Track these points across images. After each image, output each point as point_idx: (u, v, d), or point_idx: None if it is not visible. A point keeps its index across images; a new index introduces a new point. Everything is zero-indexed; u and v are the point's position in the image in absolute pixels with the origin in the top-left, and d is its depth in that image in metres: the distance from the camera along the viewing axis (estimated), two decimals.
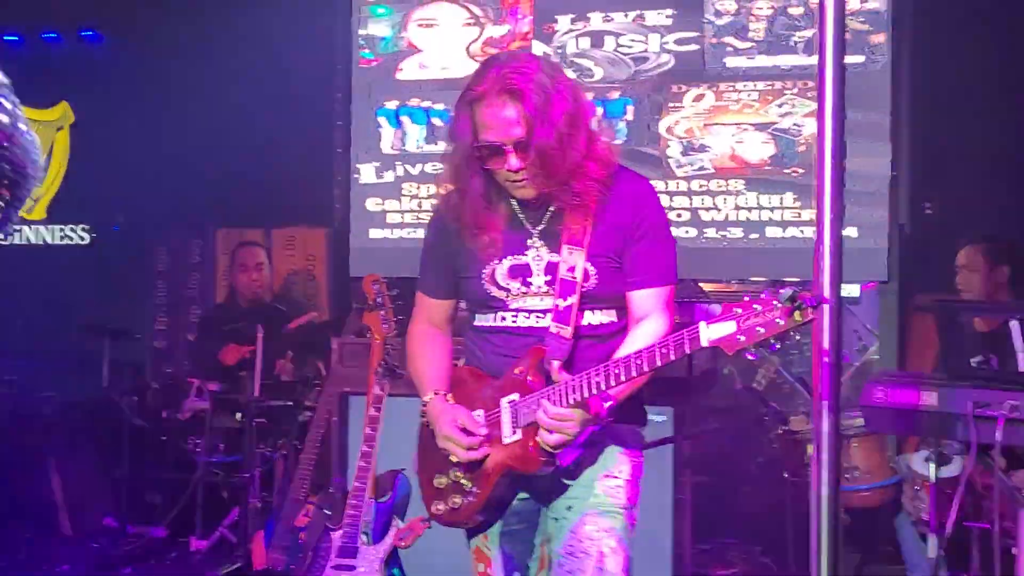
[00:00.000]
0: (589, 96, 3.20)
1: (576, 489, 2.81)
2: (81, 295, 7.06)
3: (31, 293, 7.01)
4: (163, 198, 7.05)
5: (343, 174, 6.46)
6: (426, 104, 6.16)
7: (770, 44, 5.68)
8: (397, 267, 5.33)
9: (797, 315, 2.32)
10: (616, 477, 2.82)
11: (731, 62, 5.73)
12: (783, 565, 5.18)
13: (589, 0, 5.93)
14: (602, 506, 2.79)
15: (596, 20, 5.91)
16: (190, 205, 7.07)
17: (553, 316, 2.75)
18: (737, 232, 5.69)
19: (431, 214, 3.09)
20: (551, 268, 2.78)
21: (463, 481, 2.82)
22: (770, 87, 5.67)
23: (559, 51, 5.88)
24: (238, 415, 5.68)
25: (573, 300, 2.74)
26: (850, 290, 5.72)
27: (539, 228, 2.81)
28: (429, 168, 6.10)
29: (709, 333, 2.41)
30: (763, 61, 5.68)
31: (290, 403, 5.70)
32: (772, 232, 5.65)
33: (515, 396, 2.73)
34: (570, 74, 2.90)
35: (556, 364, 2.67)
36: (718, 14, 5.74)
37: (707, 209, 5.74)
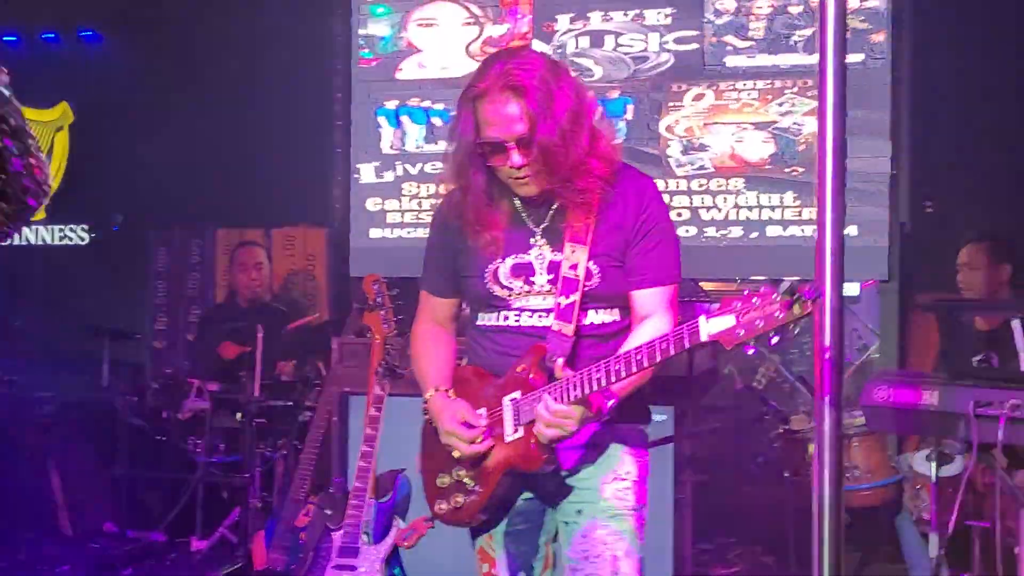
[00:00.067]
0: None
1: (585, 492, 2.80)
2: (80, 295, 7.06)
3: (31, 293, 7.02)
4: (162, 198, 7.05)
5: (343, 174, 6.45)
6: (426, 104, 6.15)
7: (770, 43, 5.67)
8: (397, 267, 5.33)
9: (796, 308, 2.31)
10: (624, 479, 2.81)
11: (731, 61, 5.73)
12: (784, 565, 5.17)
13: None
14: (612, 510, 2.78)
15: (596, 19, 5.91)
16: (190, 205, 7.07)
17: (555, 314, 2.74)
18: (737, 231, 5.69)
19: (434, 212, 3.08)
20: (554, 267, 2.76)
21: (466, 480, 2.81)
22: (770, 86, 5.67)
23: (559, 50, 5.88)
24: (238, 415, 5.68)
25: (575, 298, 2.73)
26: (850, 289, 5.71)
27: (542, 226, 2.80)
28: (429, 168, 6.09)
29: (708, 327, 2.40)
30: (763, 60, 5.67)
31: (290, 403, 5.70)
32: (772, 231, 5.65)
33: (517, 394, 2.72)
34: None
35: (559, 361, 2.66)
36: (718, 13, 5.74)
37: (707, 208, 5.73)
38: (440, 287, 2.99)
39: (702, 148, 5.75)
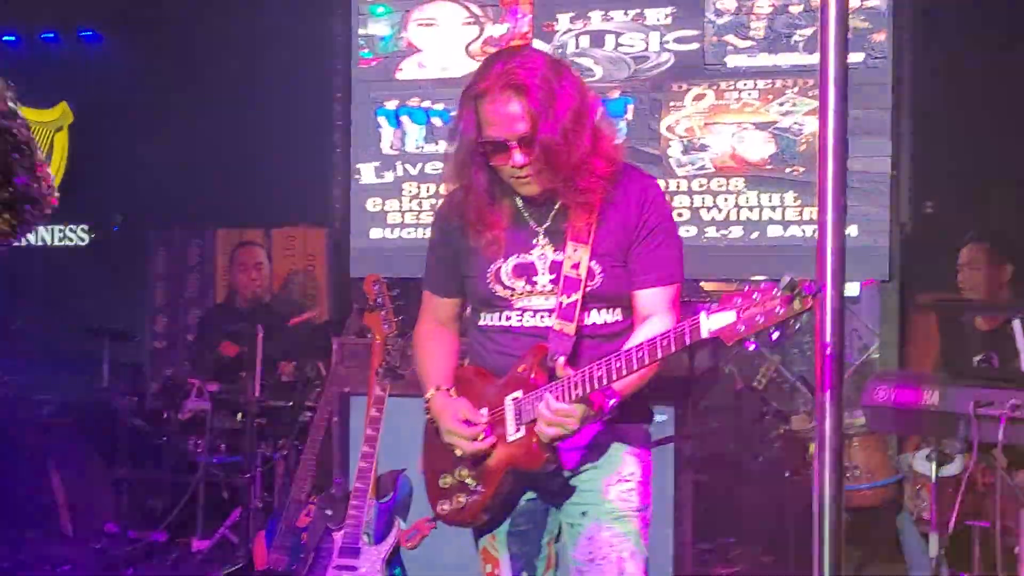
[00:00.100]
0: None
1: (589, 495, 2.80)
2: (80, 296, 7.06)
3: (30, 294, 7.02)
4: (162, 198, 7.05)
5: (343, 174, 6.45)
6: (426, 104, 6.15)
7: (771, 42, 5.67)
8: (397, 267, 5.34)
9: (796, 303, 2.30)
10: (627, 480, 2.80)
11: (731, 61, 5.73)
12: (784, 564, 5.17)
13: None
14: (617, 512, 2.78)
15: (596, 19, 5.91)
16: (189, 205, 7.07)
17: (556, 313, 2.73)
18: (738, 231, 5.69)
19: (436, 212, 3.07)
20: (556, 267, 2.76)
21: (468, 480, 2.80)
22: (771, 86, 5.67)
23: (559, 50, 5.87)
24: (238, 415, 5.68)
25: (577, 297, 2.72)
26: (850, 289, 5.71)
27: (544, 226, 2.79)
28: (429, 168, 6.09)
29: (709, 323, 2.40)
30: (764, 60, 5.67)
31: (290, 403, 5.70)
32: (773, 231, 5.65)
33: (518, 394, 2.72)
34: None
35: (561, 360, 2.66)
36: (718, 13, 5.74)
37: (707, 208, 5.73)
38: (442, 287, 2.99)
39: (703, 148, 5.76)
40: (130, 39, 7.21)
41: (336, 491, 4.46)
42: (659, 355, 2.48)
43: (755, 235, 5.66)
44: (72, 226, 7.59)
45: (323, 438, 4.84)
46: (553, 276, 2.76)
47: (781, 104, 5.66)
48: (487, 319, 2.87)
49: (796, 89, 5.63)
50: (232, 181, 6.79)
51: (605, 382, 2.55)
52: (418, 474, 3.01)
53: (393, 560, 4.18)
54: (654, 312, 2.74)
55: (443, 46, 6.15)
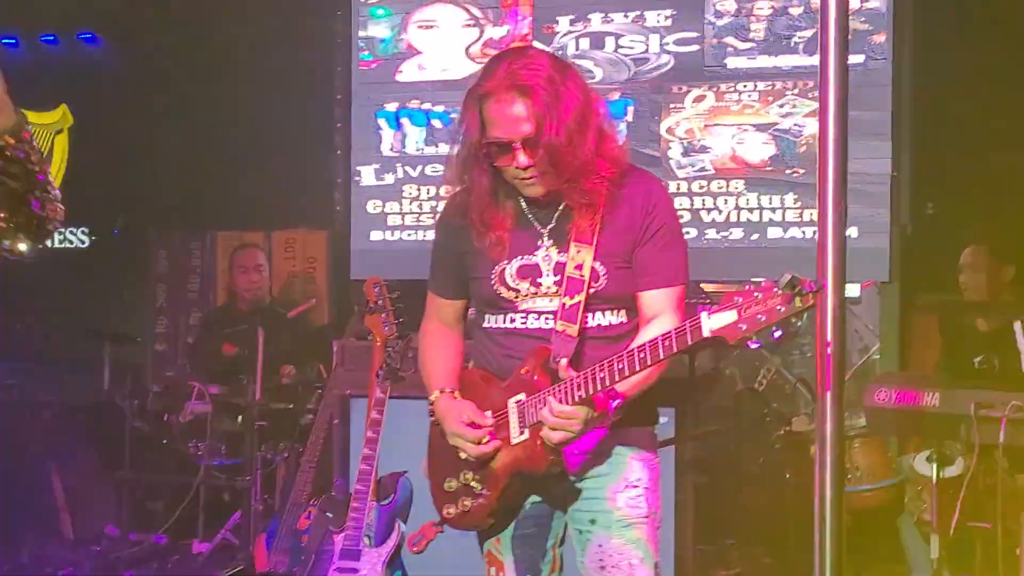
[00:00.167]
0: None
1: (597, 502, 2.79)
2: (81, 298, 7.05)
3: (31, 297, 7.01)
4: (162, 201, 7.05)
5: (343, 176, 6.45)
6: (426, 106, 6.16)
7: (771, 44, 5.67)
8: (398, 269, 5.33)
9: (798, 301, 2.29)
10: (635, 487, 2.79)
11: (731, 62, 5.73)
12: (785, 566, 5.17)
13: (589, 1, 5.93)
14: (627, 519, 2.77)
15: (596, 21, 5.91)
16: (189, 208, 7.07)
17: (559, 314, 2.73)
18: (738, 233, 5.69)
19: (440, 214, 3.07)
20: (560, 268, 2.75)
21: (473, 483, 2.79)
22: (771, 87, 5.67)
23: (559, 52, 5.87)
24: (239, 418, 5.68)
25: (580, 298, 2.71)
26: (850, 290, 5.71)
27: (549, 227, 2.78)
28: (429, 170, 6.09)
29: (711, 323, 2.39)
30: (764, 61, 5.68)
31: (291, 406, 5.70)
32: (773, 233, 5.65)
33: (521, 396, 2.71)
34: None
35: (563, 362, 2.65)
36: (718, 14, 5.74)
37: (708, 210, 5.73)
38: (446, 288, 2.98)
39: (703, 150, 5.76)
40: (130, 42, 7.21)
41: (337, 493, 4.46)
42: (661, 356, 2.48)
43: (755, 237, 5.66)
44: (72, 229, 7.58)
45: (324, 440, 4.84)
46: (558, 277, 2.75)
47: (781, 106, 5.66)
48: (491, 321, 2.86)
49: (796, 91, 5.64)
50: (232, 183, 6.79)
51: (608, 383, 2.54)
52: (422, 478, 3.00)
53: (394, 562, 4.18)
54: (659, 313, 2.73)
55: (443, 48, 6.15)
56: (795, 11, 5.64)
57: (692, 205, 5.73)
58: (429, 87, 6.15)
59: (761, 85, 5.68)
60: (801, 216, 5.60)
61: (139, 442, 6.08)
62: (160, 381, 6.59)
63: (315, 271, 7.07)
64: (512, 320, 2.81)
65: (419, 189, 6.13)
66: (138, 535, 6.00)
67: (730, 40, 5.72)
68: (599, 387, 2.55)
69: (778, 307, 2.32)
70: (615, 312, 2.79)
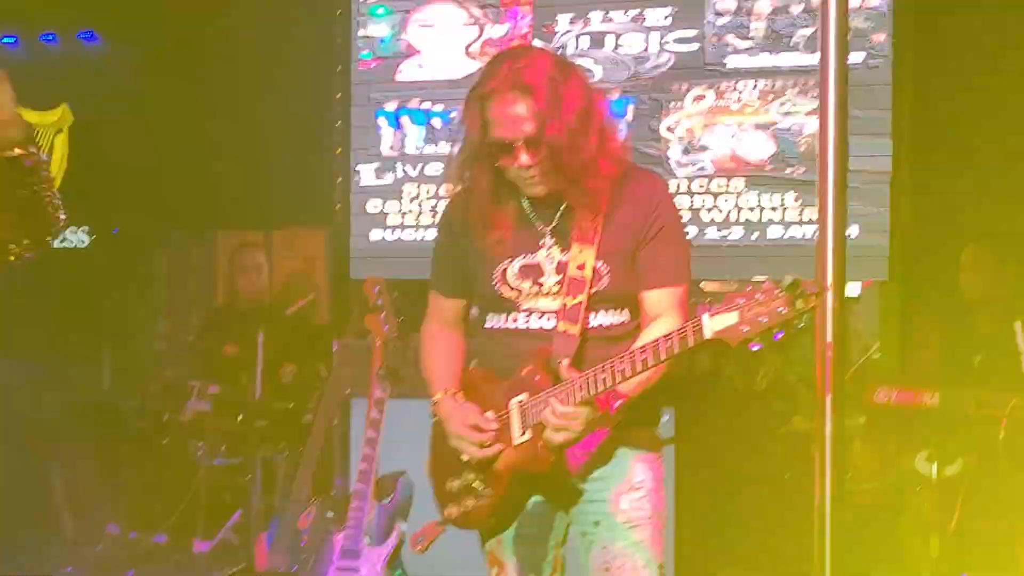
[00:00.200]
0: None
1: (601, 505, 2.78)
2: (81, 298, 7.05)
3: (31, 296, 7.01)
4: (162, 200, 7.05)
5: (342, 175, 6.45)
6: (426, 105, 6.15)
7: (771, 43, 5.67)
8: (397, 269, 5.33)
9: (800, 303, 2.28)
10: (639, 488, 2.78)
11: (732, 61, 5.72)
12: (785, 566, 5.17)
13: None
14: (631, 521, 2.77)
15: (596, 20, 5.90)
16: (189, 207, 7.07)
17: (560, 314, 2.72)
18: (738, 232, 5.69)
19: (442, 213, 3.05)
20: (563, 268, 2.74)
21: (475, 483, 2.79)
22: (771, 86, 5.67)
23: (559, 51, 5.86)
24: (239, 417, 5.68)
25: (582, 298, 2.71)
26: (851, 289, 5.71)
27: (551, 227, 2.78)
28: (429, 169, 6.08)
29: (712, 324, 2.38)
30: (764, 60, 5.67)
31: (291, 405, 5.70)
32: (773, 232, 5.64)
33: (523, 396, 2.71)
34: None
35: (565, 363, 2.65)
36: (718, 13, 5.73)
37: (708, 209, 5.72)
38: (448, 288, 2.98)
39: (703, 149, 5.75)
40: (130, 41, 7.21)
41: (337, 493, 4.46)
42: (663, 357, 2.47)
43: (755, 236, 5.66)
44: (72, 228, 7.58)
45: (324, 440, 4.84)
46: (560, 277, 2.74)
47: (781, 104, 5.65)
48: (493, 320, 2.86)
49: (796, 89, 5.63)
50: (232, 183, 6.79)
51: (609, 384, 2.54)
52: (422, 477, 3.00)
53: (394, 562, 4.18)
54: (661, 313, 2.72)
55: (443, 47, 6.14)
56: (795, 9, 5.63)
57: (692, 204, 5.72)
58: (429, 86, 6.15)
59: (761, 83, 5.67)
60: (801, 215, 5.59)
61: (139, 441, 6.08)
62: (160, 380, 6.59)
63: (315, 270, 7.07)
64: (514, 320, 2.81)
65: (419, 188, 6.12)
66: (138, 534, 5.99)
67: (730, 38, 5.72)
68: (601, 388, 2.54)
69: (780, 309, 2.30)
70: (617, 311, 2.78)
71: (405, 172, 6.15)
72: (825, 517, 2.32)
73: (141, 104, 7.00)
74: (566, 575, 2.93)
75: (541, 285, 2.77)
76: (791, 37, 5.64)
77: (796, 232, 5.61)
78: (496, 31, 6.05)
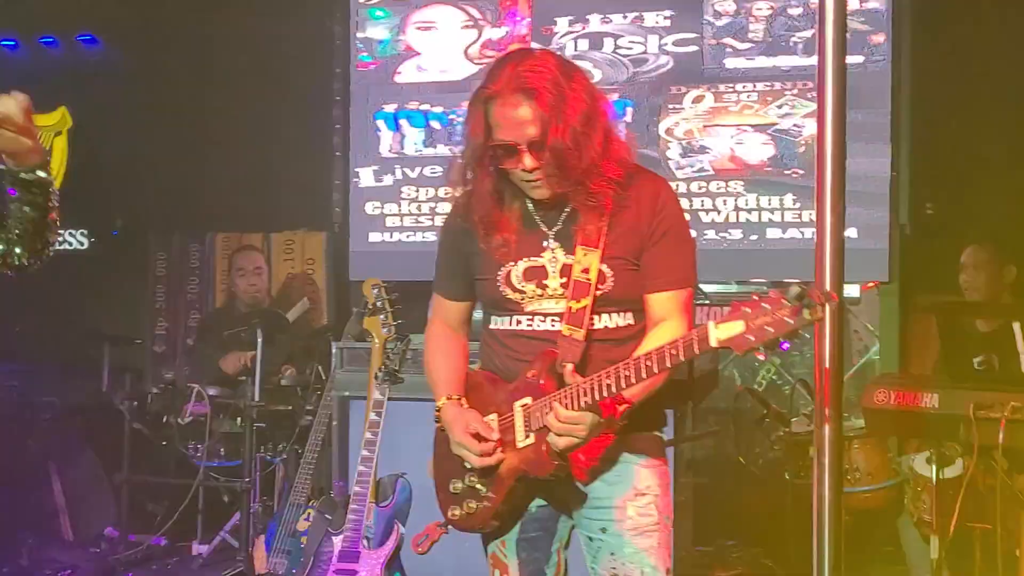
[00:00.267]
0: None
1: (607, 511, 2.77)
2: (80, 300, 7.05)
3: (30, 298, 7.01)
4: (162, 202, 7.05)
5: (342, 178, 6.45)
6: (424, 107, 6.15)
7: (769, 45, 5.68)
8: (397, 270, 5.33)
9: (806, 313, 2.26)
10: (645, 494, 2.77)
11: (730, 63, 5.73)
12: (784, 567, 5.17)
13: (588, 2, 5.93)
14: (638, 528, 2.75)
15: (595, 22, 5.91)
16: (189, 209, 7.07)
17: (566, 318, 2.71)
18: (737, 233, 5.69)
19: (447, 216, 3.05)
20: (567, 270, 2.73)
21: (478, 486, 2.78)
22: (769, 88, 5.67)
23: (558, 53, 5.87)
24: (238, 420, 5.67)
25: (587, 302, 2.69)
26: (850, 291, 5.71)
27: (555, 229, 2.76)
28: (428, 171, 6.09)
29: (718, 333, 2.36)
30: (762, 62, 5.68)
31: (290, 407, 5.69)
32: (772, 233, 5.65)
33: (527, 400, 2.70)
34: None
35: (569, 367, 2.63)
36: (717, 15, 5.74)
37: (707, 211, 5.73)
38: (452, 290, 2.97)
39: (702, 150, 5.76)
40: (129, 43, 7.21)
41: (336, 495, 4.46)
42: (668, 364, 2.45)
43: (754, 237, 5.66)
44: (72, 230, 7.58)
45: (323, 442, 4.84)
46: (564, 280, 2.73)
47: (780, 106, 5.66)
48: (497, 322, 2.85)
49: (795, 91, 5.63)
50: (231, 185, 6.79)
51: (614, 390, 2.52)
52: (421, 479, 2.99)
53: (393, 564, 4.17)
54: (666, 316, 2.71)
55: (442, 49, 6.15)
56: (794, 11, 5.64)
57: (691, 206, 5.73)
58: (428, 88, 6.15)
59: (760, 86, 5.68)
60: (800, 217, 5.60)
61: (138, 444, 6.07)
62: (159, 382, 6.58)
63: (314, 273, 7.07)
64: (518, 322, 2.80)
65: (418, 190, 6.13)
66: (137, 536, 5.99)
67: (729, 41, 5.72)
68: (605, 393, 2.53)
69: (786, 319, 2.27)
70: (622, 314, 2.77)
71: (404, 174, 6.16)
72: (824, 518, 2.31)
73: (140, 107, 7.00)
74: None
75: (545, 287, 2.75)
76: (790, 39, 5.65)
77: (795, 234, 5.61)
78: (495, 33, 6.05)
